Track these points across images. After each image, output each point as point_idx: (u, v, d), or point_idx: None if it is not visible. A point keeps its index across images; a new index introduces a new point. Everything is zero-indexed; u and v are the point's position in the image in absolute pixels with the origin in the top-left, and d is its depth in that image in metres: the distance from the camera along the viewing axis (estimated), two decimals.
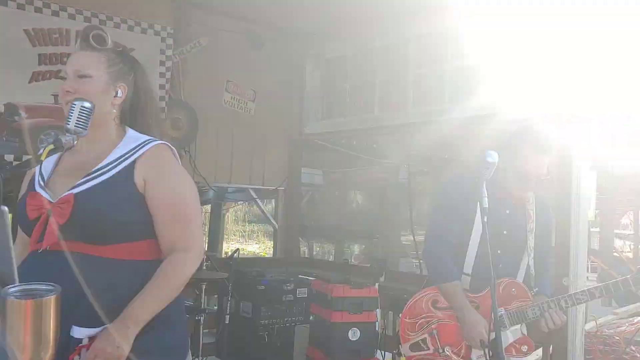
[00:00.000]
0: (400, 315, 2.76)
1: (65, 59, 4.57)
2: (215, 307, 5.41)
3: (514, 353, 2.56)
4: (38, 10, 4.46)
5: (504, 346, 2.49)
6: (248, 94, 5.86)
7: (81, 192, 1.73)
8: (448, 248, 2.67)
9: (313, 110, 5.75)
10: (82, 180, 1.77)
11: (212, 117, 5.57)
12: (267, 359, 4.72)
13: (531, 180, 2.57)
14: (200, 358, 5.06)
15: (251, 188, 7.47)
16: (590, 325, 3.99)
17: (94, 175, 1.78)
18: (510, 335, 2.56)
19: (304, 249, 8.35)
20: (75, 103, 1.72)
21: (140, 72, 2.00)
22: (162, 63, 5.13)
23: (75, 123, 1.71)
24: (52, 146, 1.66)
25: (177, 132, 5.31)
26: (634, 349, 4.03)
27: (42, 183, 1.82)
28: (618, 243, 21.72)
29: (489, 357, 2.20)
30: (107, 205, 1.73)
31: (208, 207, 10.22)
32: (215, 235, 9.76)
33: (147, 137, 1.89)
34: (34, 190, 1.80)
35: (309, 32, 5.58)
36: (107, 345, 1.64)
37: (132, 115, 1.95)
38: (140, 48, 4.98)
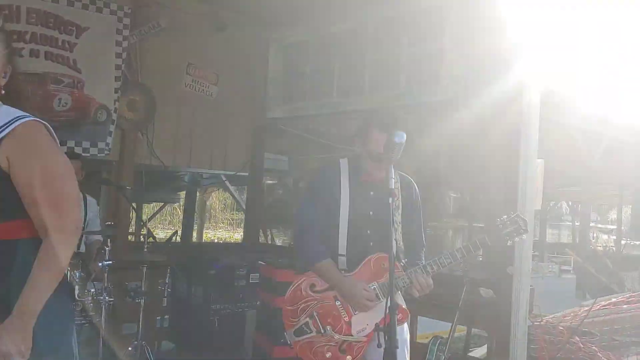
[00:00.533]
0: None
1: (15, 37, 4.51)
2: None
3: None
4: None
5: (380, 318, 2.49)
6: (210, 77, 5.79)
7: None
8: (316, 234, 2.76)
9: (275, 95, 5.68)
10: None
11: (171, 99, 5.51)
12: (217, 344, 4.68)
13: (383, 159, 2.54)
14: (155, 343, 5.07)
15: (222, 174, 7.45)
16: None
17: None
18: (383, 306, 2.53)
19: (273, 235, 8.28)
20: None
21: (13, 49, 1.92)
22: (118, 43, 5.04)
23: None
24: None
25: (133, 113, 5.25)
26: (577, 339, 4.02)
27: None
28: (603, 237, 21.85)
29: (385, 340, 2.17)
30: None
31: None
32: (189, 221, 9.70)
33: (17, 114, 1.79)
34: None
35: (272, 16, 5.51)
36: (9, 345, 1.64)
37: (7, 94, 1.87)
38: (95, 27, 4.93)
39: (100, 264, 3.70)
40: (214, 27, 5.63)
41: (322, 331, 2.63)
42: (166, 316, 5.13)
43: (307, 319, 2.67)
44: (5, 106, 1.84)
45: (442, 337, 3.88)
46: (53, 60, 4.73)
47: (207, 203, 16.24)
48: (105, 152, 5.07)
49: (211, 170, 6.16)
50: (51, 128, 1.87)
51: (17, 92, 1.92)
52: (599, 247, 15.45)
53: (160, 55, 5.41)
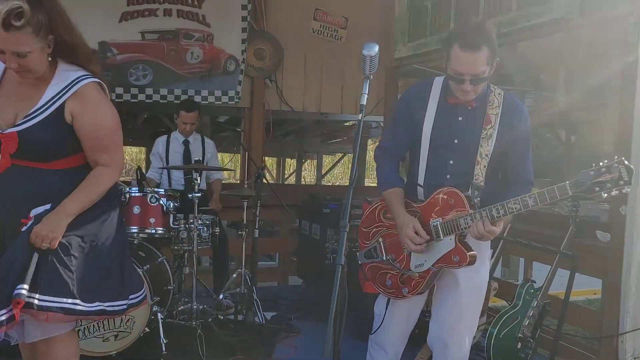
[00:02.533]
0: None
1: None
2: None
3: (447, 263, 2.40)
4: None
5: (438, 256, 2.42)
6: (339, 21, 5.83)
7: (23, 130, 2.16)
8: (390, 159, 2.61)
9: (401, 34, 5.51)
10: (24, 119, 2.18)
11: (299, 46, 5.69)
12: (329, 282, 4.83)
13: (465, 80, 2.29)
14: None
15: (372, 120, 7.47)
16: None
17: (32, 115, 2.18)
18: (444, 245, 2.40)
19: None
20: None
21: (56, 10, 2.17)
22: None
23: None
24: None
25: (261, 62, 5.55)
26: None
27: None
28: None
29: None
30: (43, 140, 2.18)
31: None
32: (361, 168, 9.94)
33: (76, 75, 2.20)
34: None
35: None
36: (42, 229, 2.13)
37: (59, 50, 2.20)
38: None
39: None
40: None
41: (385, 259, 2.57)
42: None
43: (376, 244, 2.62)
44: (63, 65, 2.22)
45: (533, 281, 3.54)
46: (184, 17, 5.21)
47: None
48: (236, 99, 5.46)
49: (343, 114, 6.22)
50: (104, 84, 2.29)
51: (73, 48, 2.22)
52: None
53: (286, 3, 5.59)
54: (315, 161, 13.36)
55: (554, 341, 3.48)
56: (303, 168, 13.88)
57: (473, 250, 2.38)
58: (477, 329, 3.64)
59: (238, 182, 7.28)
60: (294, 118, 6.53)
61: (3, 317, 2.05)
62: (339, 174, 17.49)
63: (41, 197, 2.20)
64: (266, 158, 16.47)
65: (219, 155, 5.87)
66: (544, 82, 5.94)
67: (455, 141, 2.45)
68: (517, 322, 3.44)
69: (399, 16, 5.55)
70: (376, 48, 2.08)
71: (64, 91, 2.18)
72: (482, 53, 2.25)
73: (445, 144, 2.45)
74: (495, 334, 3.45)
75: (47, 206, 2.20)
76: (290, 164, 15.12)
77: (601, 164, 2.11)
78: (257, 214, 4.16)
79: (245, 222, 4.30)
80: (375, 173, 2.78)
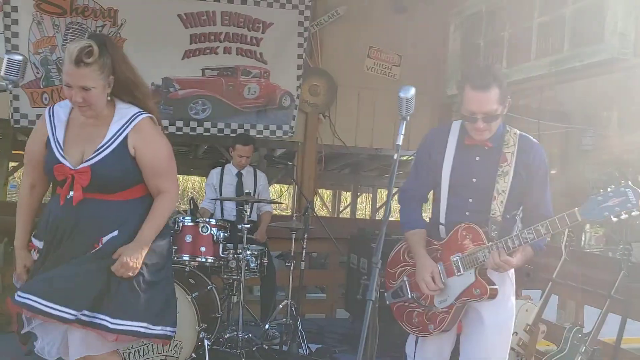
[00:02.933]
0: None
1: (212, 37, 5.36)
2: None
3: (469, 297, 2.47)
4: None
5: (460, 290, 2.49)
6: (393, 59, 5.95)
7: (94, 164, 2.39)
8: (413, 200, 2.72)
9: (454, 72, 5.56)
10: (94, 154, 2.41)
11: (352, 83, 5.83)
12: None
13: (478, 119, 2.42)
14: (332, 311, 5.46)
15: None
16: None
17: (100, 149, 2.42)
18: (465, 279, 2.47)
19: None
20: (5, 56, 2.25)
21: (118, 54, 2.44)
22: (300, 34, 5.53)
23: (5, 72, 2.23)
24: None
25: (315, 98, 5.71)
26: None
27: (61, 150, 2.44)
28: None
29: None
30: (112, 171, 2.41)
31: None
32: None
33: (133, 112, 2.46)
34: (58, 161, 2.43)
35: None
36: (129, 260, 2.35)
37: (118, 90, 2.46)
38: (278, 22, 5.50)
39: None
40: (394, 9, 5.77)
41: (410, 297, 2.64)
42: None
43: (402, 283, 2.70)
44: (121, 104, 2.48)
45: (580, 326, 3.45)
46: (243, 54, 5.45)
47: None
48: (290, 134, 5.63)
49: (392, 151, 6.27)
50: (156, 118, 2.54)
51: (135, 86, 2.49)
52: None
53: (340, 41, 5.76)
54: (370, 195, 13.41)
55: None
56: (359, 201, 13.95)
57: (494, 284, 2.46)
58: None
59: (288, 214, 7.41)
60: (347, 152, 6.63)
61: (71, 318, 2.25)
62: (394, 208, 17.39)
63: (109, 227, 2.41)
64: (323, 190, 16.67)
65: (277, 186, 6.04)
66: (601, 121, 5.83)
67: (474, 180, 2.55)
68: None
69: (452, 53, 5.61)
70: (412, 90, 2.17)
71: (125, 126, 2.43)
72: (492, 92, 2.39)
73: (464, 183, 2.56)
74: None
75: (115, 233, 2.40)
76: (346, 197, 15.22)
77: (609, 189, 2.17)
78: (304, 246, 4.24)
79: (293, 253, 4.39)
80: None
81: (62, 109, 2.51)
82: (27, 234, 2.55)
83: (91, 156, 2.39)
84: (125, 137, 2.42)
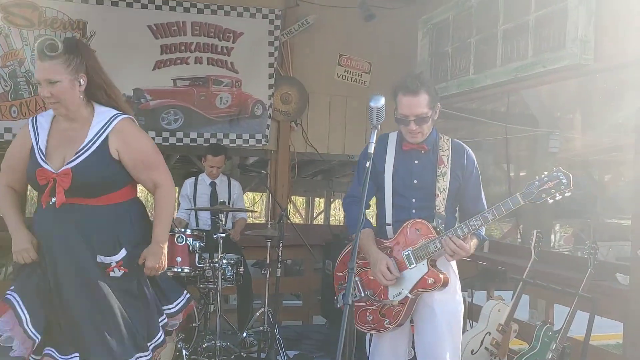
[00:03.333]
0: None
1: (182, 48, 5.37)
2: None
3: (424, 287, 2.62)
4: (158, 7, 5.26)
5: (414, 281, 2.63)
6: (363, 66, 6.03)
7: (75, 166, 2.42)
8: (358, 205, 2.73)
9: None
10: (74, 157, 2.44)
11: (323, 90, 5.90)
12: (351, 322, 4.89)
13: (410, 121, 2.64)
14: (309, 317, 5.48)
15: None
16: None
17: (80, 152, 2.45)
18: (417, 271, 2.62)
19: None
20: None
21: (90, 56, 2.52)
22: (270, 43, 5.58)
23: None
24: None
25: (287, 106, 5.75)
26: None
27: (42, 156, 2.48)
28: None
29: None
30: (93, 173, 2.44)
31: None
32: None
33: (112, 113, 2.53)
34: (40, 165, 2.46)
35: None
36: (154, 262, 2.54)
37: (93, 92, 2.53)
38: (249, 32, 5.55)
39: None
40: (363, 17, 5.85)
41: (363, 294, 2.74)
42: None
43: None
44: (100, 107, 2.54)
45: (550, 324, 3.55)
46: (214, 64, 5.47)
47: None
48: (263, 142, 5.66)
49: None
50: (134, 118, 2.60)
51: (106, 87, 2.56)
52: None
53: (311, 49, 5.82)
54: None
55: None
56: (332, 207, 14.02)
57: (445, 273, 2.63)
58: None
59: (263, 222, 7.43)
60: (319, 159, 6.68)
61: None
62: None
63: (98, 232, 2.46)
64: (296, 197, 16.70)
65: (250, 194, 6.06)
66: (566, 123, 6.01)
67: (415, 181, 2.76)
68: None
69: (421, 61, 5.70)
70: (382, 100, 2.24)
71: (104, 127, 2.49)
72: (422, 97, 2.64)
73: (406, 185, 2.76)
74: None
75: (123, 252, 2.50)
76: (320, 203, 15.27)
77: (544, 174, 2.45)
78: (280, 254, 4.28)
79: (268, 261, 4.41)
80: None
81: (44, 118, 2.57)
82: (18, 216, 2.56)
83: (72, 159, 2.43)
84: (106, 138, 2.47)
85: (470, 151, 2.84)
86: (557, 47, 3.99)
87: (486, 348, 3.81)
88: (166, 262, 2.61)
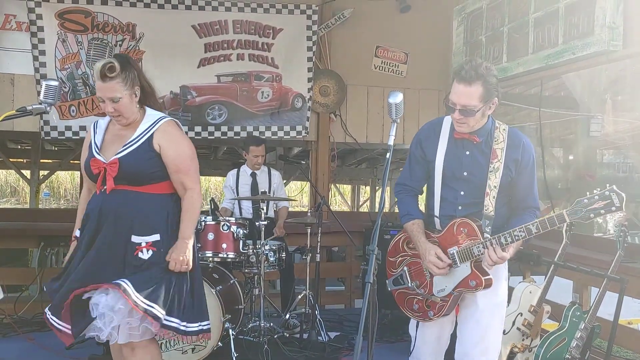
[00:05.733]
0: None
1: (225, 45, 5.64)
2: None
3: (466, 287, 2.64)
4: (201, 8, 5.55)
5: (457, 281, 2.66)
6: (399, 57, 6.16)
7: (122, 156, 2.71)
8: (409, 193, 2.86)
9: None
10: (122, 148, 2.74)
11: (361, 82, 6.07)
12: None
13: (455, 110, 2.54)
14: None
15: None
16: None
17: (129, 144, 2.75)
18: (461, 271, 2.64)
19: None
20: (42, 82, 2.55)
21: (139, 70, 2.82)
22: (309, 38, 5.79)
23: (44, 96, 2.53)
24: (13, 112, 2.50)
25: (326, 98, 5.96)
26: None
27: (97, 150, 2.80)
28: None
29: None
30: (138, 164, 2.72)
31: None
32: None
33: (159, 115, 2.82)
34: (93, 156, 2.78)
35: None
36: (179, 255, 2.70)
37: (145, 98, 2.84)
38: (288, 28, 5.77)
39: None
40: (398, 8, 5.99)
41: (410, 285, 2.82)
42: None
43: (402, 272, 2.88)
44: (149, 110, 2.84)
45: (580, 305, 3.65)
46: (255, 60, 5.72)
47: None
48: (304, 134, 5.89)
49: (403, 144, 6.49)
50: (179, 122, 2.88)
51: (151, 95, 2.85)
52: None
53: (348, 42, 6.00)
54: (389, 187, 13.62)
55: None
56: (377, 195, 14.16)
57: (489, 275, 2.61)
58: (530, 350, 3.80)
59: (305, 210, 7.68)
60: (360, 148, 6.87)
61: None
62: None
63: (138, 214, 2.72)
64: (343, 186, 16.89)
65: (296, 183, 6.30)
66: (601, 108, 5.99)
67: (465, 173, 2.68)
68: (564, 343, 3.56)
69: (456, 50, 5.80)
70: (400, 96, 2.39)
71: (151, 127, 2.77)
72: (474, 87, 2.50)
73: (455, 176, 2.69)
74: (542, 354, 3.58)
75: (157, 236, 2.72)
76: (366, 191, 15.44)
77: (595, 192, 2.33)
78: (319, 240, 4.50)
79: (309, 247, 4.65)
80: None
81: (103, 121, 2.89)
82: None
83: (120, 150, 2.72)
84: (151, 136, 2.74)
85: (528, 141, 2.70)
86: (585, 34, 4.05)
87: (518, 328, 3.94)
88: (191, 259, 2.73)
